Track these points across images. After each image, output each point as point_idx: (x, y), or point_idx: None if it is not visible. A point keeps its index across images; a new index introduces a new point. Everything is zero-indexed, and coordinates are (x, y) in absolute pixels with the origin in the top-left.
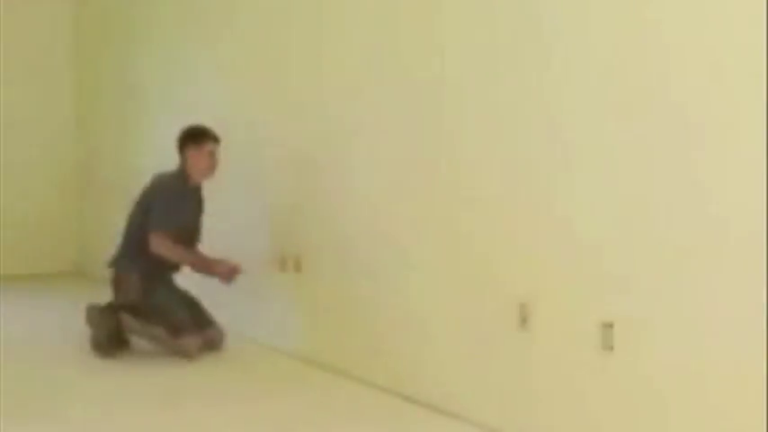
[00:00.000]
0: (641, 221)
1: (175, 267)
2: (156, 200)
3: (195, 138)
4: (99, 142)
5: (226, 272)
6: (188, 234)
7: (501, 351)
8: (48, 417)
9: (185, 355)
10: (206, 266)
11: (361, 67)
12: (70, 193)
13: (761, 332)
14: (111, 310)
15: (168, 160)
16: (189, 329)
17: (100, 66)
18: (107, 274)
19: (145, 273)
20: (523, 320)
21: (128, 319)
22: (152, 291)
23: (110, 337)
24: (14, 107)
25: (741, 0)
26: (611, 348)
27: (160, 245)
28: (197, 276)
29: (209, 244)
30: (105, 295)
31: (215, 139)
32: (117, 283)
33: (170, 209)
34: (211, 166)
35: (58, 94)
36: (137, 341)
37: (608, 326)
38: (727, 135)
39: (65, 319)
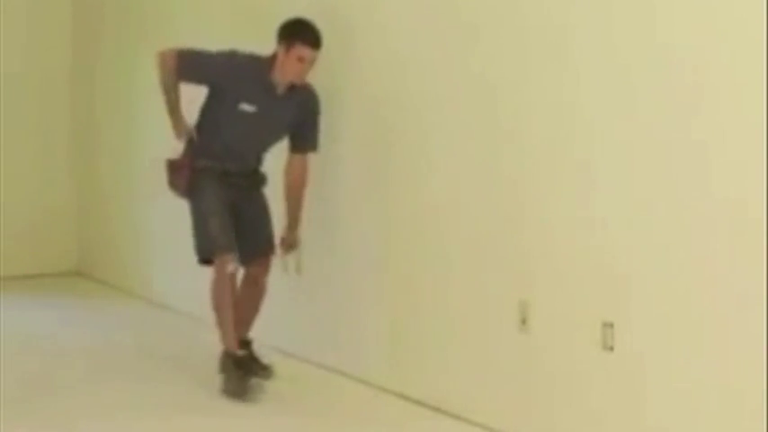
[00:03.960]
0: (641, 222)
1: (244, 159)
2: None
3: (289, 34)
4: (99, 142)
5: (177, 133)
6: (240, 143)
7: (501, 351)
8: (48, 418)
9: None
10: (169, 115)
11: None
12: (70, 194)
13: (761, 332)
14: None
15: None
16: (226, 245)
17: (100, 64)
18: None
19: (196, 161)
20: (523, 320)
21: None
22: (198, 189)
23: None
24: (14, 107)
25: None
26: (611, 348)
27: (164, 60)
28: None
29: None
30: (105, 295)
31: (313, 45)
32: (168, 172)
33: (208, 62)
34: (298, 75)
35: (57, 93)
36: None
37: (608, 326)
38: (726, 136)
39: (65, 319)
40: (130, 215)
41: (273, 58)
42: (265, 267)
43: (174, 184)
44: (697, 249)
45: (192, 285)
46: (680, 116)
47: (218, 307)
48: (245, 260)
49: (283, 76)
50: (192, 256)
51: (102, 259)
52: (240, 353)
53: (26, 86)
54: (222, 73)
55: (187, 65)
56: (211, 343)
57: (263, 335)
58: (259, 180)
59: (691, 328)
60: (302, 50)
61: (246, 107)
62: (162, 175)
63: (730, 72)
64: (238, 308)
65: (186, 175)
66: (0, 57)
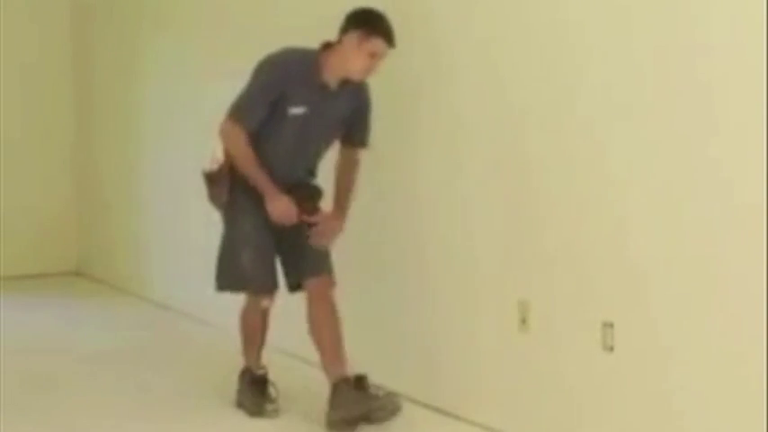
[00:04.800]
0: (641, 222)
1: (294, 169)
2: (253, 74)
3: (365, 24)
4: (99, 142)
5: (276, 211)
6: (287, 152)
7: (501, 351)
8: (48, 418)
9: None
10: (263, 193)
11: None
12: (70, 194)
13: (761, 332)
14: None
15: (168, 161)
16: (259, 286)
17: (101, 66)
18: (105, 275)
19: (235, 181)
20: (523, 320)
21: None
22: (234, 210)
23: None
24: (14, 108)
25: None
26: (611, 348)
27: (228, 137)
28: None
29: None
30: (105, 295)
31: (390, 41)
32: (208, 185)
33: (257, 94)
34: (365, 71)
35: (58, 93)
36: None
37: (608, 326)
38: (727, 138)
39: (65, 319)
40: (130, 216)
41: (326, 48)
42: (328, 281)
43: (213, 197)
44: (697, 249)
45: (191, 285)
46: (680, 115)
47: (247, 334)
48: (303, 278)
49: (344, 70)
50: (192, 257)
51: (102, 259)
52: (260, 371)
53: (27, 86)
54: (275, 90)
55: (246, 118)
56: (211, 343)
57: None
58: (311, 194)
59: (691, 328)
60: (378, 46)
61: (295, 110)
62: (164, 176)
63: (748, 72)
64: (322, 337)
65: (226, 186)
66: (2, 58)
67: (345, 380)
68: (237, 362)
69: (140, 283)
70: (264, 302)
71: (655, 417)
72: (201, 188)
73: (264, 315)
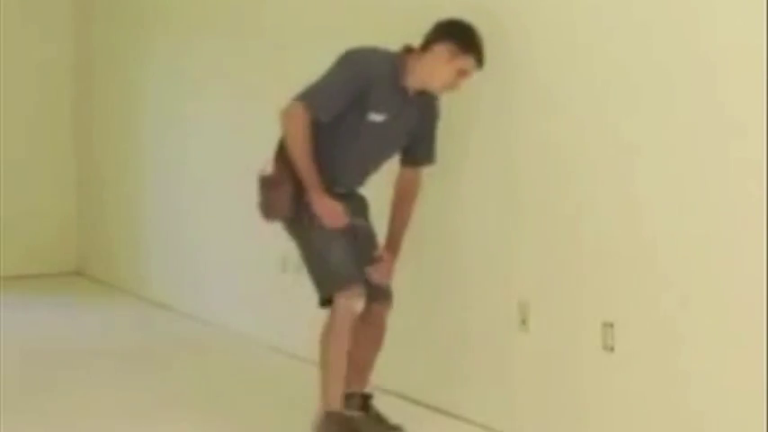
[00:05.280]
0: (642, 222)
1: (356, 179)
2: (327, 70)
3: (461, 40)
4: (99, 143)
5: (326, 213)
6: (358, 161)
7: (501, 351)
8: (48, 418)
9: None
10: (308, 190)
11: None
12: (70, 194)
13: (761, 332)
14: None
15: (168, 161)
16: (356, 278)
17: (101, 66)
18: (104, 275)
19: (302, 187)
20: (523, 320)
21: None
22: (307, 212)
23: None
24: (15, 107)
25: None
26: (612, 348)
27: (291, 119)
28: None
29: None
30: (105, 295)
31: (482, 63)
32: (265, 190)
33: (330, 86)
34: (449, 87)
35: (57, 93)
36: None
37: (608, 326)
38: (726, 141)
39: (65, 319)
40: (130, 216)
41: (408, 53)
42: (389, 303)
43: (272, 204)
44: (697, 249)
45: (191, 285)
46: (680, 116)
47: (331, 359)
48: (368, 299)
49: (426, 80)
50: (192, 257)
51: (103, 259)
52: (349, 413)
53: (28, 87)
54: (358, 86)
55: (320, 107)
56: (211, 343)
57: (260, 333)
58: (364, 205)
59: (691, 329)
60: (470, 64)
61: (375, 117)
62: (164, 176)
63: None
64: (362, 356)
65: (289, 192)
66: (2, 58)
67: (360, 396)
68: (238, 361)
69: (140, 283)
70: (358, 304)
71: (655, 416)
72: (201, 188)
73: (353, 325)
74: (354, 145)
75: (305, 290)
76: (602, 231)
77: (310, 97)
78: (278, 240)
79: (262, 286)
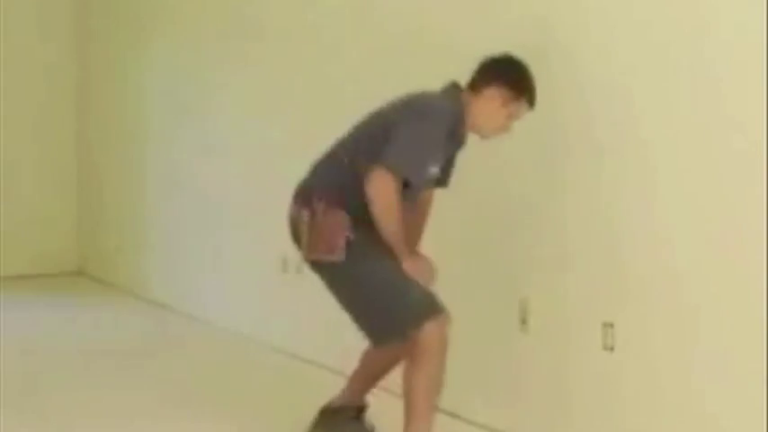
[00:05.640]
0: (641, 222)
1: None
2: (408, 123)
3: (517, 84)
4: (100, 143)
5: (420, 272)
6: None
7: (501, 351)
8: (48, 418)
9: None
10: (399, 252)
11: None
12: (70, 194)
13: (761, 332)
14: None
15: (168, 161)
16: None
17: (102, 69)
18: (106, 273)
19: (356, 214)
20: (523, 320)
21: None
22: (366, 248)
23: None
24: (15, 108)
25: None
26: (612, 348)
27: (382, 188)
28: None
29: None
30: (105, 295)
31: (533, 104)
32: (297, 224)
33: (423, 151)
34: (498, 132)
35: (59, 94)
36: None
37: (608, 326)
38: (725, 141)
39: (65, 319)
40: (131, 215)
41: (463, 97)
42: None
43: (326, 246)
44: (697, 249)
45: (191, 286)
46: (680, 115)
47: (431, 394)
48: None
49: (481, 126)
50: (192, 257)
51: (103, 259)
52: None
53: (29, 87)
54: (443, 145)
55: (411, 174)
56: (211, 343)
57: (260, 333)
58: None
59: (691, 328)
60: (523, 110)
61: (434, 170)
62: (164, 177)
63: None
64: (384, 376)
65: (345, 232)
66: (4, 59)
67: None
68: (238, 362)
69: (141, 284)
70: (448, 326)
71: (655, 417)
72: (202, 189)
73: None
74: (413, 204)
75: (305, 290)
76: (602, 231)
77: (397, 164)
78: (278, 240)
79: (262, 286)
